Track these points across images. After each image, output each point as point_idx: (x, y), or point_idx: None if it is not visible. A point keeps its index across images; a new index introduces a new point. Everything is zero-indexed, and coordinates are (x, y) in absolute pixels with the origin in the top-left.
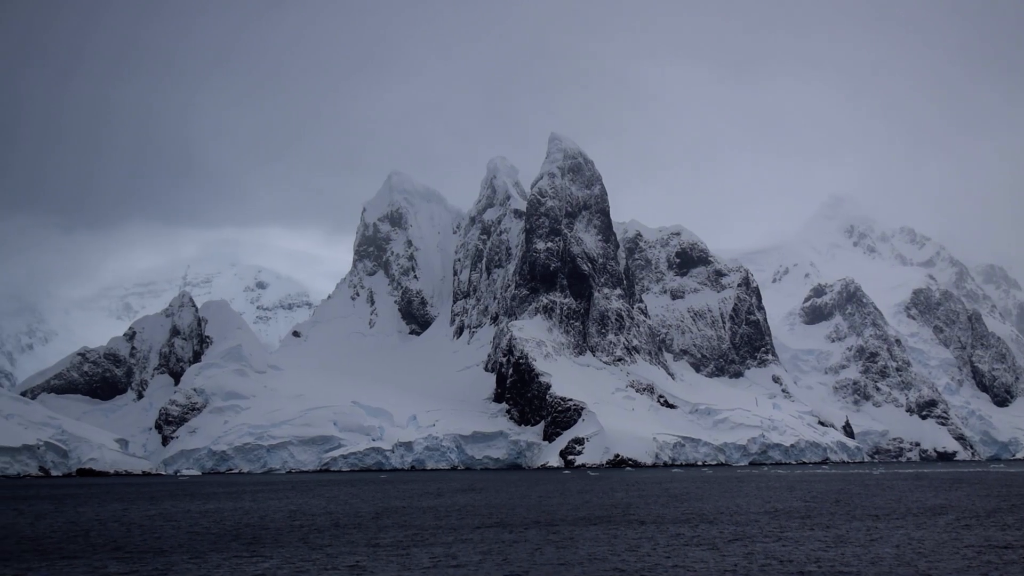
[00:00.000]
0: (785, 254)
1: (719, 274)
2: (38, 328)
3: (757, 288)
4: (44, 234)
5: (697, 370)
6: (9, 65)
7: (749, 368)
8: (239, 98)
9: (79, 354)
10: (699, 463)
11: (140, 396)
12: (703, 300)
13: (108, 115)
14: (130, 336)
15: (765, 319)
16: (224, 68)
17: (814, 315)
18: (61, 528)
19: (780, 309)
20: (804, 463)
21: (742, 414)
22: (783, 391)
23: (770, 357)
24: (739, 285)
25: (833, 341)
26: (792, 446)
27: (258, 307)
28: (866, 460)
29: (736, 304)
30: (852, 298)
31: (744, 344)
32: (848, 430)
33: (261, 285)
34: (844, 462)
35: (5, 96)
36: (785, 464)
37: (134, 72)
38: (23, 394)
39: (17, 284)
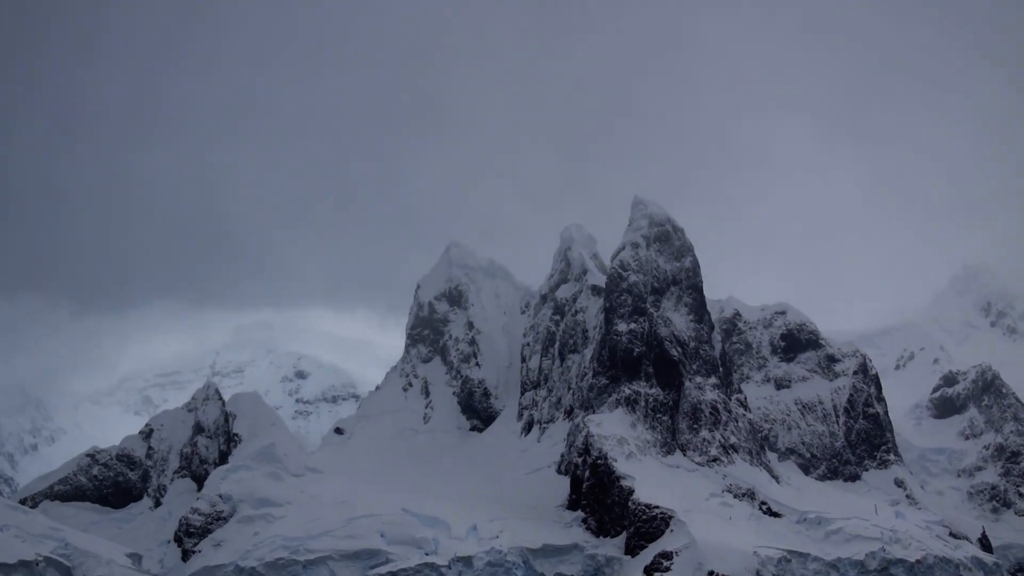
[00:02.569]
0: (910, 336)
1: (832, 360)
2: (44, 426)
3: (877, 376)
4: (53, 318)
5: (806, 472)
6: (11, 126)
7: (867, 470)
8: (277, 159)
9: (88, 455)
10: None
11: (157, 504)
12: (813, 390)
13: (126, 181)
14: (147, 434)
15: (886, 412)
16: (259, 124)
17: (944, 408)
18: None
19: (904, 401)
20: None
21: (859, 524)
22: (908, 497)
23: (892, 457)
24: (855, 372)
25: (967, 438)
26: (918, 562)
27: (297, 400)
28: None
29: (852, 395)
30: (990, 387)
31: (861, 442)
32: (985, 543)
33: (301, 375)
34: None
35: (6, 161)
36: None
37: (154, 131)
38: (22, 501)
39: (21, 376)
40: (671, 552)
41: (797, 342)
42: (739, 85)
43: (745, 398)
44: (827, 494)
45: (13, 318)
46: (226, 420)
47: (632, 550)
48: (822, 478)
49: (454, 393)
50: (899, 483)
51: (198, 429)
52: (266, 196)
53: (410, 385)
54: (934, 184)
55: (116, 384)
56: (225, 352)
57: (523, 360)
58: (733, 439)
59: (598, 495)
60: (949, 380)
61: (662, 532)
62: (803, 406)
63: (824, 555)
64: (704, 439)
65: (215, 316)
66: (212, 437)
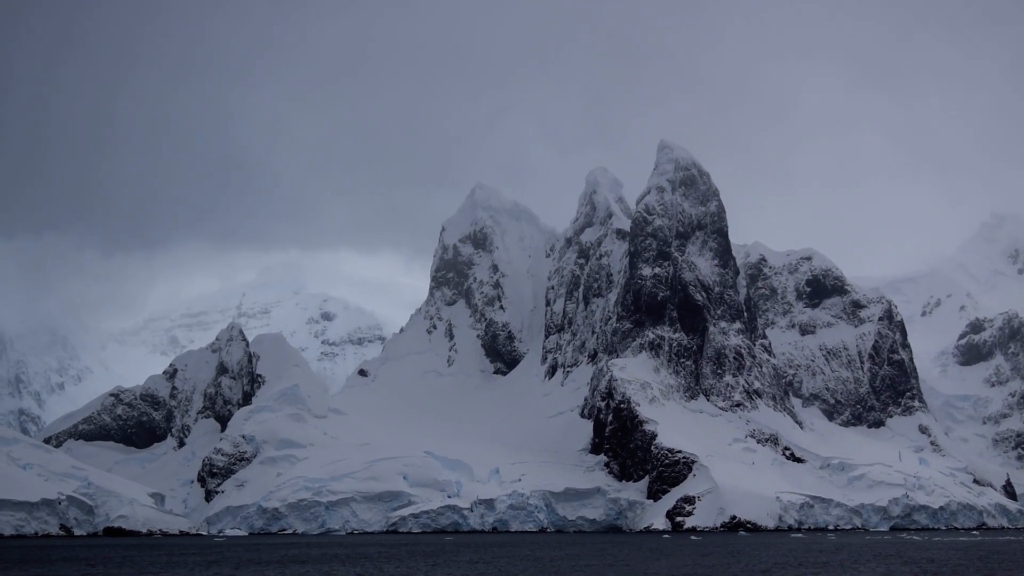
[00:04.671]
0: (936, 283)
1: (857, 306)
2: (70, 365)
3: (902, 322)
4: (80, 257)
5: (830, 418)
6: (44, 70)
7: (891, 416)
8: (305, 102)
9: (112, 395)
10: (830, 527)
11: (181, 444)
12: (838, 336)
13: (155, 122)
14: (170, 374)
15: (911, 359)
16: (288, 68)
17: (971, 355)
18: None
19: (930, 347)
20: (955, 528)
21: (882, 470)
22: (932, 444)
23: (917, 403)
24: (880, 319)
25: (993, 385)
26: (942, 508)
27: (323, 341)
28: None
29: (877, 341)
30: (1016, 334)
31: (886, 388)
32: (1009, 490)
33: (327, 316)
34: (1003, 528)
35: (38, 103)
36: (933, 529)
37: (184, 74)
38: (47, 440)
39: (48, 314)
40: (693, 497)
41: (822, 288)
42: (768, 31)
43: (770, 343)
44: (851, 440)
45: (40, 257)
46: (250, 361)
47: (654, 494)
48: (846, 424)
49: (478, 336)
50: (923, 430)
51: (222, 370)
52: (293, 138)
53: (434, 327)
54: (962, 133)
55: (142, 324)
56: (251, 293)
57: (547, 304)
58: (757, 384)
59: (621, 439)
60: (975, 327)
61: (684, 477)
62: (828, 352)
63: (847, 501)
64: (728, 384)
65: (242, 256)
66: (236, 378)
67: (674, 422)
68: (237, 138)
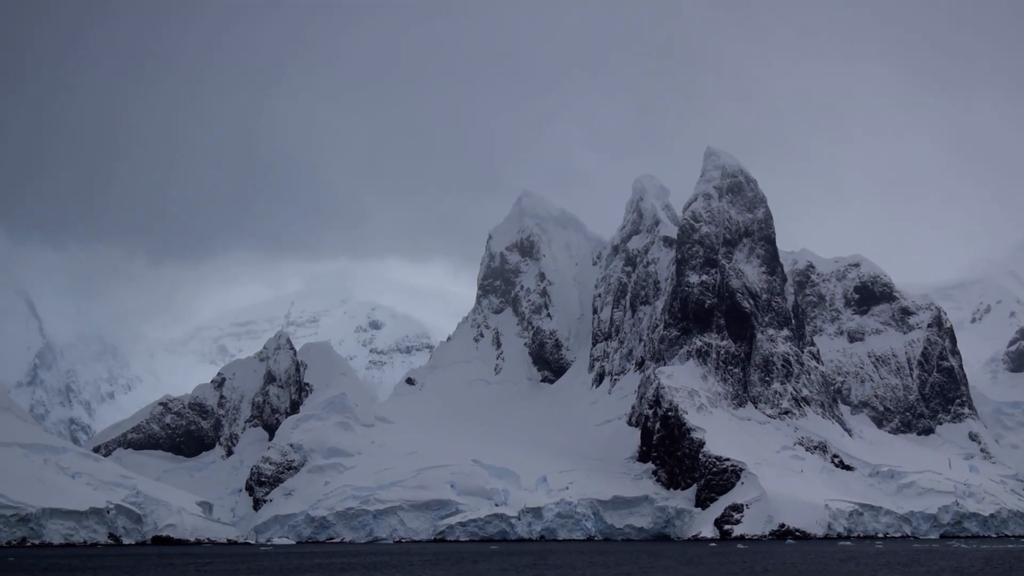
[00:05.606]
0: (986, 289)
1: (906, 312)
2: (120, 374)
3: (951, 329)
4: (130, 267)
5: (879, 425)
6: (102, 84)
7: (941, 423)
8: (354, 110)
9: (160, 404)
10: (879, 535)
11: (229, 452)
12: (886, 343)
13: (205, 130)
14: (219, 383)
15: (961, 366)
16: (337, 75)
17: (1021, 361)
18: None
19: (980, 354)
20: (1006, 536)
21: (932, 478)
22: (982, 451)
23: (966, 411)
24: (930, 325)
25: None
26: (992, 516)
27: (371, 350)
28: None
29: (926, 348)
30: None
31: (935, 395)
32: None
33: (375, 325)
34: None
35: (93, 115)
36: (983, 537)
37: (234, 82)
38: (96, 449)
39: (98, 324)
40: (742, 504)
41: (871, 294)
42: (816, 36)
43: (818, 350)
44: (900, 447)
45: (90, 268)
46: (297, 370)
47: (702, 502)
48: (895, 431)
49: (525, 344)
50: (973, 437)
51: (269, 378)
52: (342, 146)
53: (481, 336)
54: (1014, 137)
55: (191, 333)
56: (300, 301)
57: (594, 312)
58: (805, 392)
59: (668, 447)
60: None
61: (733, 484)
62: (876, 359)
63: (896, 508)
64: (776, 391)
65: (290, 265)
66: (283, 386)
67: (722, 430)
68: (285, 147)
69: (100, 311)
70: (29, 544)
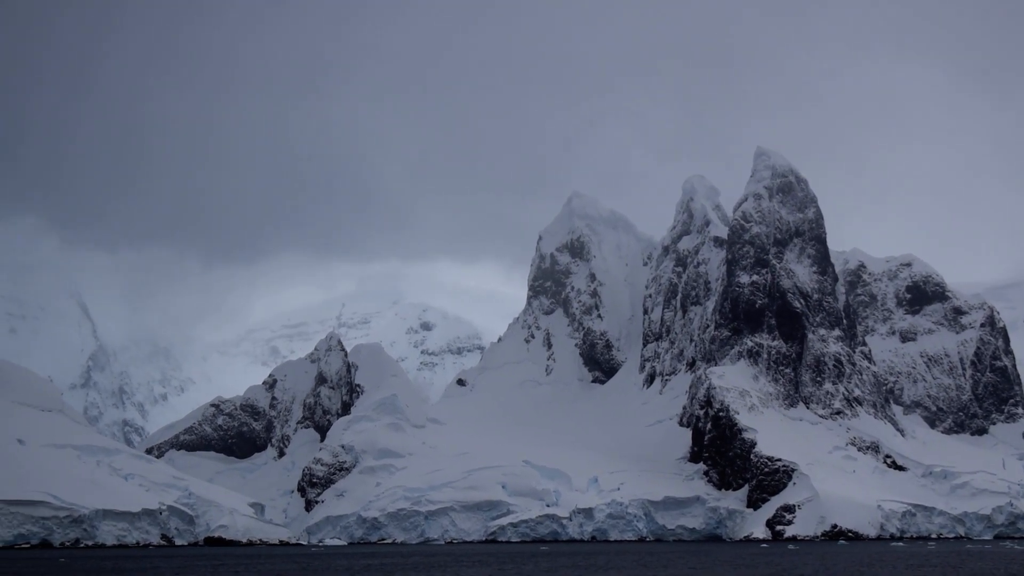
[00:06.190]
0: None
1: (958, 312)
2: (173, 376)
3: (1004, 328)
4: (182, 269)
5: (932, 425)
6: (146, 84)
7: (995, 423)
8: (403, 110)
9: (212, 405)
10: (932, 535)
11: (281, 454)
12: (939, 343)
13: (255, 134)
14: (270, 385)
15: (1015, 365)
16: (387, 76)
17: None
18: None
19: None
20: None
21: (986, 478)
22: None
23: (1020, 411)
24: (982, 325)
25: None
26: None
27: (422, 351)
28: None
29: (979, 347)
30: None
31: (989, 395)
32: None
33: (426, 326)
34: None
35: (140, 116)
36: None
37: (284, 82)
38: (148, 451)
39: (151, 326)
40: (793, 505)
41: (923, 294)
42: (867, 33)
43: (869, 350)
44: (953, 448)
45: (143, 270)
46: (348, 371)
47: (754, 503)
48: (948, 431)
49: (576, 345)
50: None
51: (321, 380)
52: (392, 148)
53: (532, 337)
54: None
55: (244, 334)
56: (351, 303)
57: (645, 312)
58: (857, 392)
59: (720, 448)
60: None
61: (784, 485)
62: (929, 359)
63: (950, 509)
64: (827, 392)
65: (342, 267)
66: (334, 388)
67: (773, 430)
68: (336, 149)
69: (152, 313)
70: (82, 545)
